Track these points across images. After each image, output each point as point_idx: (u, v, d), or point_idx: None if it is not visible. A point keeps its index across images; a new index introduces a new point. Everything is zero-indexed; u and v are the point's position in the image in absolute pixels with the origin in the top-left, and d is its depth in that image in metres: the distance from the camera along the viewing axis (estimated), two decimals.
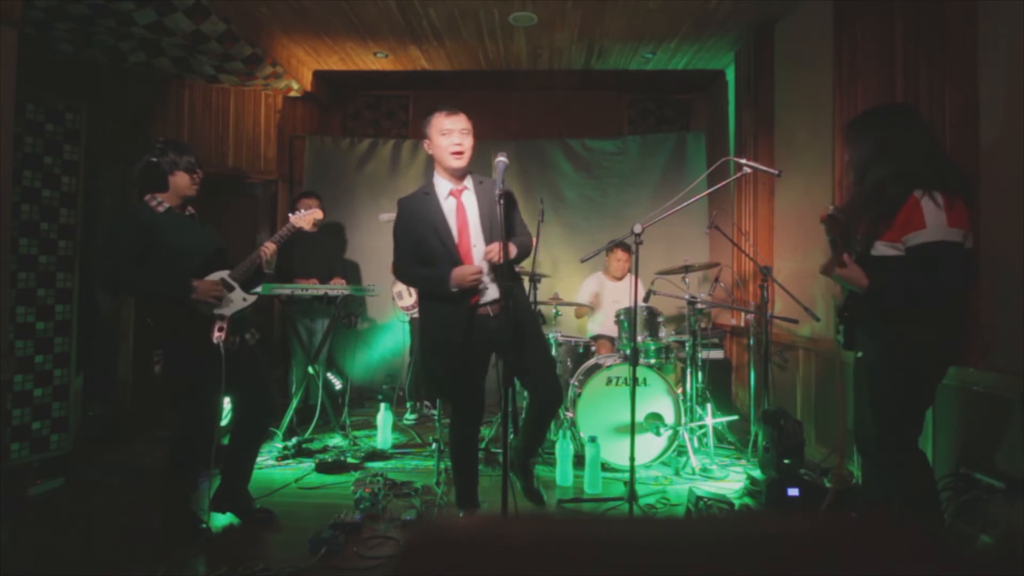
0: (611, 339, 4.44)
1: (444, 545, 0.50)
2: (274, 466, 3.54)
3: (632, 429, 2.74)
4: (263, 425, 2.84)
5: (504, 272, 2.35)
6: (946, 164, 2.02)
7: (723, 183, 3.27)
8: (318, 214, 2.89)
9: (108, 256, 2.43)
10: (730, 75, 5.18)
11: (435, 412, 3.91)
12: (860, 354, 2.16)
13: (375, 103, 6.31)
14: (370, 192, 5.68)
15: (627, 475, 2.80)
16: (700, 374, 3.91)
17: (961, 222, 1.91)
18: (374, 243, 5.49)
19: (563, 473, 3.28)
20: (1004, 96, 2.37)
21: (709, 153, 5.46)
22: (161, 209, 2.49)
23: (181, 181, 2.54)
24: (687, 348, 3.89)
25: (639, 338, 3.70)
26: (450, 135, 2.52)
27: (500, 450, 2.93)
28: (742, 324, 4.69)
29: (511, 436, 2.56)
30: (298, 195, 4.78)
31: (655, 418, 3.51)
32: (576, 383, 3.74)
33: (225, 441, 2.94)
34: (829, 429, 3.50)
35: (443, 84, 5.90)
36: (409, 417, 4.72)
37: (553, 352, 3.91)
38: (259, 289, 2.71)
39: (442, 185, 2.61)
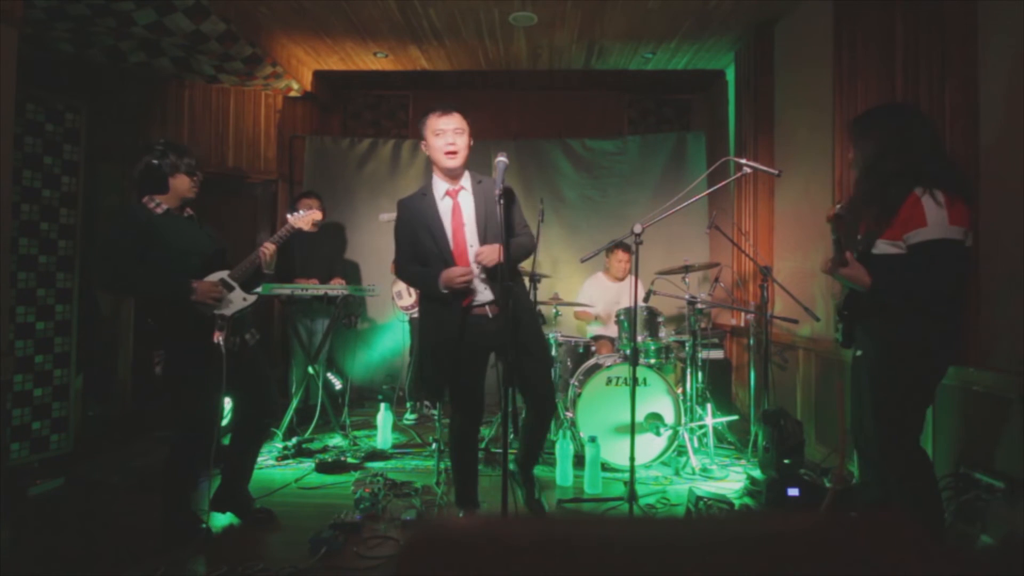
0: (611, 339, 4.44)
1: (444, 545, 0.50)
2: (274, 466, 3.54)
3: (632, 429, 2.74)
4: (264, 425, 2.85)
5: (503, 272, 2.32)
6: (948, 163, 2.02)
7: (723, 183, 3.27)
8: (317, 215, 2.89)
9: (108, 256, 2.43)
10: (730, 75, 5.18)
11: (435, 412, 3.91)
12: (859, 352, 2.16)
13: (375, 103, 6.31)
14: (370, 192, 5.68)
15: (627, 475, 2.80)
16: (700, 374, 3.91)
17: (962, 220, 1.91)
18: (374, 243, 5.50)
19: (563, 473, 3.28)
20: (1004, 96, 2.37)
21: (709, 153, 5.46)
22: (159, 211, 2.49)
23: (181, 184, 2.54)
24: (687, 348, 3.89)
25: (639, 338, 3.69)
26: (443, 135, 2.51)
27: (500, 450, 2.93)
28: (742, 324, 4.69)
29: (511, 436, 2.56)
30: (298, 195, 4.78)
31: (655, 418, 3.51)
32: (576, 383, 3.74)
33: (226, 441, 2.93)
34: (829, 429, 3.50)
35: (443, 84, 5.91)
36: (409, 417, 4.72)
37: (553, 352, 3.91)
38: (259, 289, 2.71)
39: (439, 186, 2.61)
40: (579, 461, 3.33)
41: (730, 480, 3.32)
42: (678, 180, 5.23)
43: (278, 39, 4.73)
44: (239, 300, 2.57)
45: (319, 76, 5.53)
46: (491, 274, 2.52)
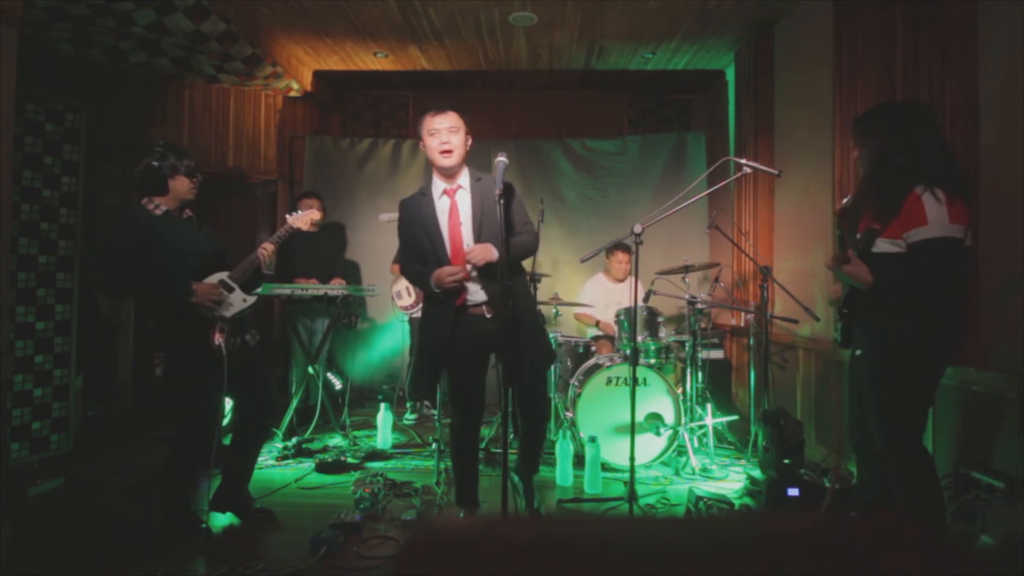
0: (611, 339, 4.44)
1: (444, 545, 0.50)
2: (274, 466, 3.54)
3: (632, 429, 2.74)
4: (264, 426, 2.85)
5: (503, 271, 2.29)
6: (951, 162, 2.02)
7: (723, 183, 3.27)
8: (316, 215, 2.89)
9: (107, 257, 2.43)
10: (730, 75, 5.18)
11: (435, 412, 3.91)
12: (858, 352, 2.16)
13: (375, 103, 6.31)
14: (370, 192, 5.68)
15: (627, 475, 2.80)
16: (700, 374, 3.91)
17: (962, 219, 1.92)
18: (374, 243, 5.50)
19: (563, 473, 3.28)
20: (1003, 96, 2.37)
21: (709, 153, 5.46)
22: (158, 212, 2.49)
23: (181, 185, 2.54)
24: (687, 348, 3.89)
25: (639, 338, 3.69)
26: (437, 135, 2.50)
27: (500, 450, 2.93)
28: (742, 324, 4.69)
29: (511, 436, 2.55)
30: (299, 195, 4.78)
31: (655, 418, 3.51)
32: (576, 383, 3.74)
33: (226, 441, 2.93)
34: (829, 429, 3.50)
35: (443, 84, 5.91)
36: (409, 417, 4.72)
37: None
38: (259, 290, 2.71)
39: (437, 185, 2.61)
40: (579, 461, 3.33)
41: (730, 480, 3.32)
42: (678, 180, 5.23)
43: (278, 39, 4.73)
44: (239, 301, 2.57)
45: (319, 76, 5.53)
46: (485, 273, 2.50)
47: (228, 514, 2.71)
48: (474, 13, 4.29)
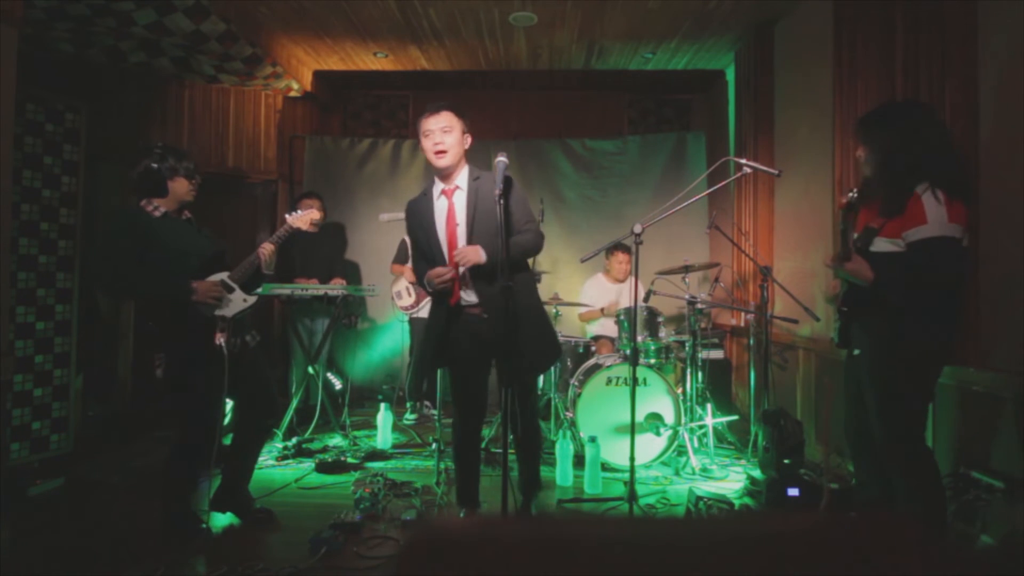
0: (611, 339, 4.44)
1: (444, 545, 0.50)
2: (274, 466, 3.54)
3: (632, 429, 2.74)
4: (265, 426, 2.86)
5: (503, 271, 2.25)
6: (954, 162, 2.03)
7: (723, 183, 3.27)
8: (315, 215, 2.89)
9: (107, 257, 2.43)
10: (730, 75, 5.18)
11: (435, 412, 3.91)
12: (857, 351, 2.16)
13: (375, 103, 6.31)
14: (370, 192, 5.68)
15: (627, 475, 2.80)
16: (700, 374, 3.91)
17: (960, 219, 1.93)
18: (374, 243, 5.50)
19: (563, 473, 3.28)
20: (1003, 96, 2.37)
21: (709, 153, 5.46)
22: (157, 214, 2.49)
23: (180, 187, 2.54)
24: (687, 348, 3.89)
25: (639, 338, 3.70)
26: (431, 136, 2.49)
27: (500, 450, 2.93)
28: (742, 324, 4.69)
29: (511, 437, 2.54)
30: (299, 196, 4.78)
31: (655, 418, 3.51)
32: (576, 383, 3.74)
33: (226, 441, 2.94)
34: (829, 429, 3.50)
35: (443, 84, 5.91)
36: (409, 417, 4.72)
37: None
38: (259, 290, 2.71)
39: (437, 186, 2.61)
40: (579, 461, 3.33)
41: (730, 480, 3.32)
42: (678, 180, 5.23)
43: (278, 39, 4.73)
44: (239, 301, 2.57)
45: (319, 76, 5.53)
46: (478, 274, 2.47)
47: (228, 514, 2.71)
48: (474, 13, 4.29)
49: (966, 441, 2.50)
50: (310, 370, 4.15)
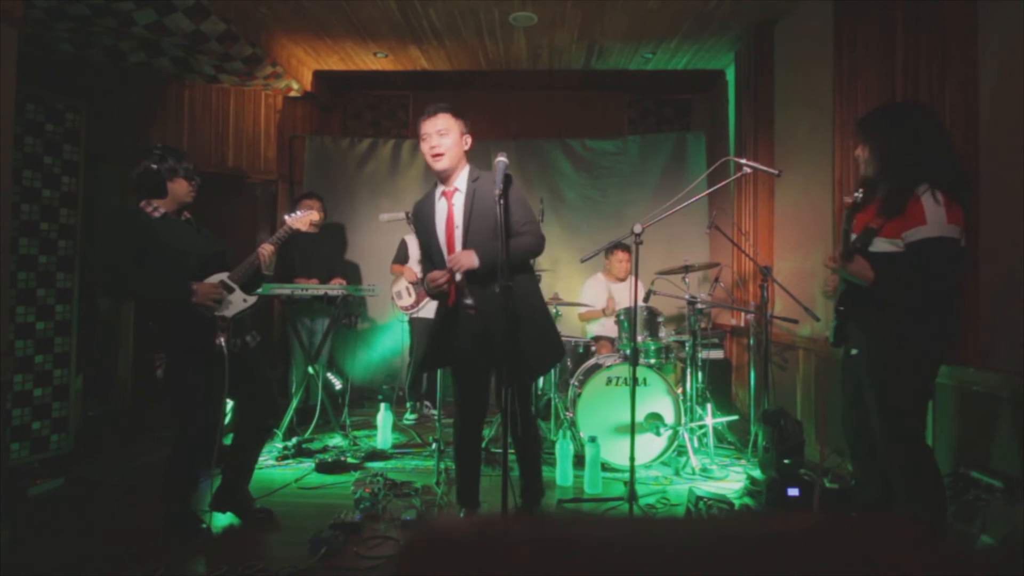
0: (611, 339, 4.44)
1: (444, 545, 0.50)
2: (274, 466, 3.54)
3: (632, 429, 2.74)
4: (266, 426, 2.86)
5: (502, 272, 2.23)
6: (955, 165, 2.04)
7: (723, 183, 3.26)
8: (315, 215, 2.89)
9: (107, 258, 2.43)
10: (730, 75, 5.18)
11: (435, 412, 3.91)
12: (854, 351, 2.16)
13: (375, 103, 6.31)
14: (370, 192, 5.68)
15: (627, 475, 2.80)
16: (700, 374, 3.91)
17: (958, 221, 1.95)
18: (374, 243, 5.50)
19: (563, 473, 3.28)
20: (1004, 96, 2.37)
21: (709, 153, 5.46)
22: (157, 215, 2.49)
23: (180, 188, 2.54)
24: (687, 348, 3.89)
25: (639, 338, 3.69)
26: (427, 139, 2.49)
27: (500, 450, 2.92)
28: (742, 324, 4.69)
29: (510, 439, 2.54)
30: (299, 197, 4.78)
31: (655, 418, 3.51)
32: (576, 383, 3.74)
33: (227, 441, 2.94)
34: (829, 429, 3.50)
35: (443, 84, 5.91)
36: (409, 417, 4.72)
37: None
38: (259, 290, 2.71)
39: (439, 187, 2.61)
40: (579, 461, 3.33)
41: (730, 480, 3.32)
42: (678, 180, 5.23)
43: (278, 39, 4.73)
44: (239, 302, 2.57)
45: (319, 76, 5.53)
46: (474, 278, 2.46)
47: (228, 514, 2.71)
48: (474, 13, 4.29)
49: (966, 441, 2.50)
50: (310, 370, 4.15)
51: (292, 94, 5.44)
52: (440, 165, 2.50)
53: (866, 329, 2.10)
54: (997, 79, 2.41)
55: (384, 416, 3.97)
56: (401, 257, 4.77)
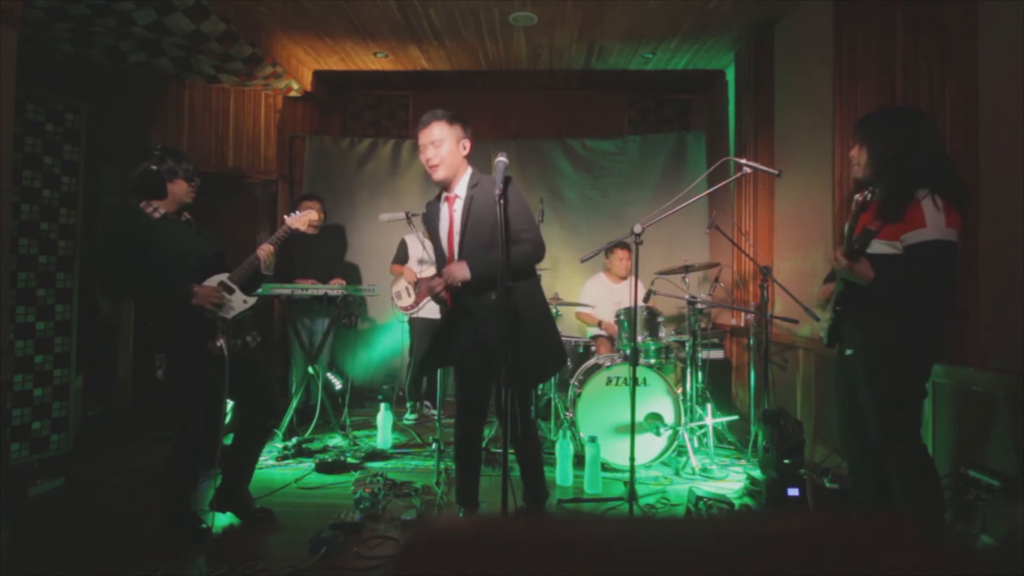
0: (611, 339, 4.44)
1: (444, 545, 0.50)
2: (274, 466, 3.54)
3: (632, 429, 2.74)
4: (267, 426, 2.86)
5: (502, 274, 2.22)
6: (951, 169, 2.07)
7: (723, 183, 3.27)
8: (314, 215, 2.89)
9: (107, 259, 2.43)
10: (730, 75, 5.18)
11: (435, 412, 3.91)
12: (849, 351, 2.17)
13: (375, 103, 6.31)
14: (370, 192, 5.68)
15: (627, 475, 2.80)
16: (700, 374, 3.91)
17: (956, 225, 1.98)
18: (374, 243, 5.50)
19: (563, 473, 3.28)
20: (1003, 96, 2.37)
21: (709, 153, 5.46)
22: (156, 215, 2.49)
23: (179, 189, 2.54)
24: (687, 348, 3.89)
25: (639, 338, 3.69)
26: (423, 151, 2.47)
27: (500, 450, 2.92)
28: (742, 324, 4.69)
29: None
30: (299, 198, 4.78)
31: (655, 418, 3.51)
32: (576, 383, 3.74)
33: (227, 441, 2.94)
34: (829, 429, 3.50)
35: (443, 84, 5.91)
36: (409, 417, 4.72)
37: None
38: (259, 291, 2.71)
39: (441, 192, 2.61)
40: (579, 461, 3.33)
41: (730, 480, 3.32)
42: (678, 180, 5.23)
43: (278, 39, 4.73)
44: (239, 302, 2.57)
45: (319, 76, 5.53)
46: (468, 287, 2.43)
47: (228, 514, 2.71)
48: (474, 13, 4.29)
49: (965, 441, 2.50)
50: (310, 370, 4.15)
51: (292, 94, 5.44)
52: (438, 176, 2.48)
53: (863, 329, 2.12)
54: (997, 79, 2.41)
55: (384, 416, 3.97)
56: (401, 257, 4.77)
